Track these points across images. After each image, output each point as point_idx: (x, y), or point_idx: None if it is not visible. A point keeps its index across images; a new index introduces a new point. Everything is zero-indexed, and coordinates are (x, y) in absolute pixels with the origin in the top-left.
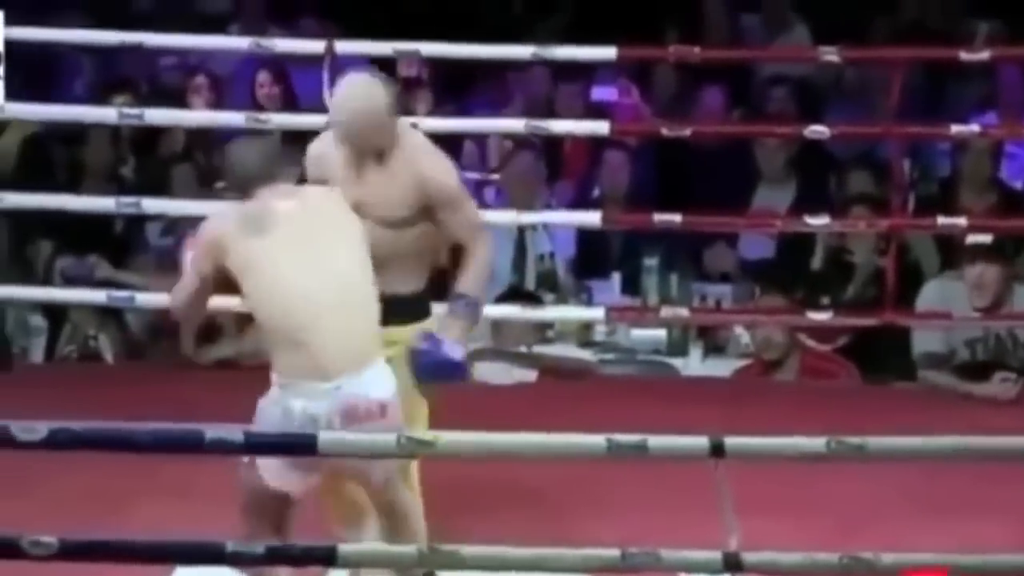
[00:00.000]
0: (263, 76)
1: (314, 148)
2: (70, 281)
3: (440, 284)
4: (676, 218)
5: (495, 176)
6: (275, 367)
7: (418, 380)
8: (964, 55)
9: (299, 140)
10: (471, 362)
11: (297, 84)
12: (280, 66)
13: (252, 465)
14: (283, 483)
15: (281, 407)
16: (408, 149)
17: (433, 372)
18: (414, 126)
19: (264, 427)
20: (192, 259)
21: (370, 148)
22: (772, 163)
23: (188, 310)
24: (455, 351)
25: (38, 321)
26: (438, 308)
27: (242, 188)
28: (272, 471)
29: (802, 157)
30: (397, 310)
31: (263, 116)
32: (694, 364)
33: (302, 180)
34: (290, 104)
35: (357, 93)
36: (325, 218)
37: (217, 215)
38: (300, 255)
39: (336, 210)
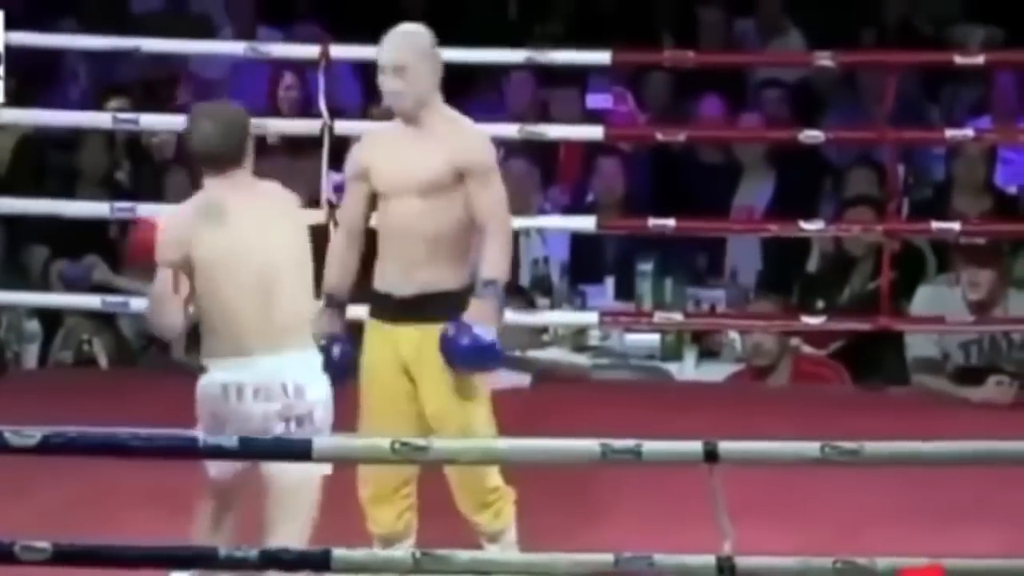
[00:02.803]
0: (290, 78)
1: (371, 131)
2: (68, 283)
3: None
4: (670, 223)
5: None
6: (205, 352)
7: (452, 367)
8: (959, 59)
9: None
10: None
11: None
12: (301, 69)
13: None
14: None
15: (212, 382)
16: (449, 120)
17: (467, 358)
18: None
19: (203, 406)
20: (158, 255)
21: (404, 91)
22: (752, 155)
23: (166, 314)
24: (487, 334)
25: (33, 326)
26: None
27: (204, 164)
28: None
29: (789, 154)
30: (445, 306)
31: (258, 122)
32: (688, 369)
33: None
34: (307, 109)
35: (402, 29)
36: (267, 211)
37: (174, 211)
38: (237, 244)
39: (281, 205)
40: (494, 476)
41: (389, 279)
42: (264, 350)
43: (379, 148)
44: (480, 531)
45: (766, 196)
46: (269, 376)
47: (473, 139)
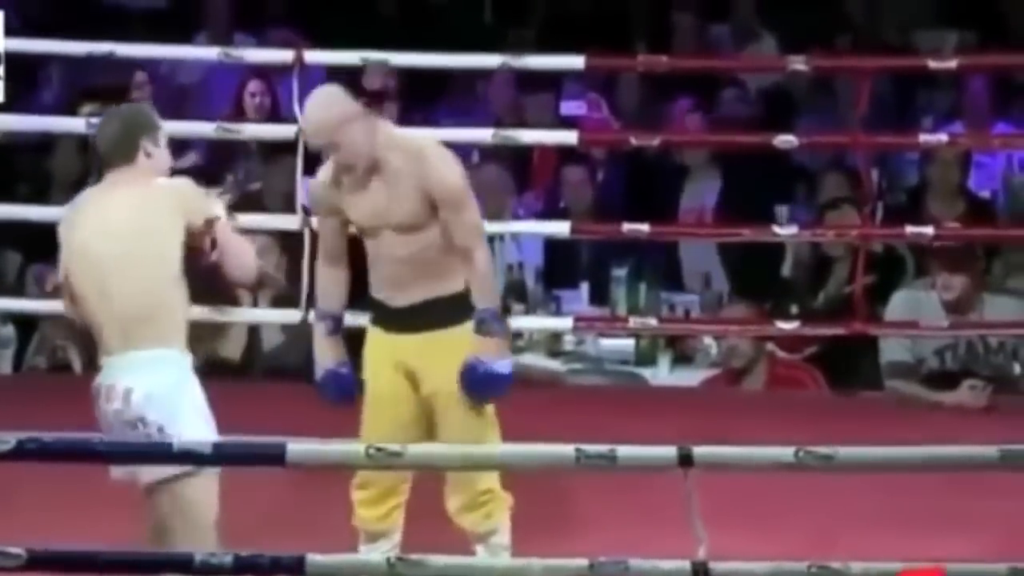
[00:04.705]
0: (255, 85)
1: (317, 183)
2: (44, 286)
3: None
4: (644, 228)
5: None
6: None
7: (473, 399)
8: (932, 64)
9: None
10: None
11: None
12: (267, 75)
13: None
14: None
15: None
16: (410, 149)
17: (486, 389)
18: None
19: None
20: None
21: (349, 159)
22: (697, 157)
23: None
24: (501, 366)
25: (7, 331)
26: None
27: (103, 165)
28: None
29: (737, 155)
30: (444, 312)
31: (233, 126)
32: (663, 374)
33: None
34: (275, 115)
35: (312, 105)
36: (126, 206)
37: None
38: (80, 244)
39: (153, 200)
40: (487, 478)
41: (382, 291)
42: (112, 350)
43: (344, 190)
44: (469, 531)
45: (713, 196)
46: (111, 378)
47: (441, 166)
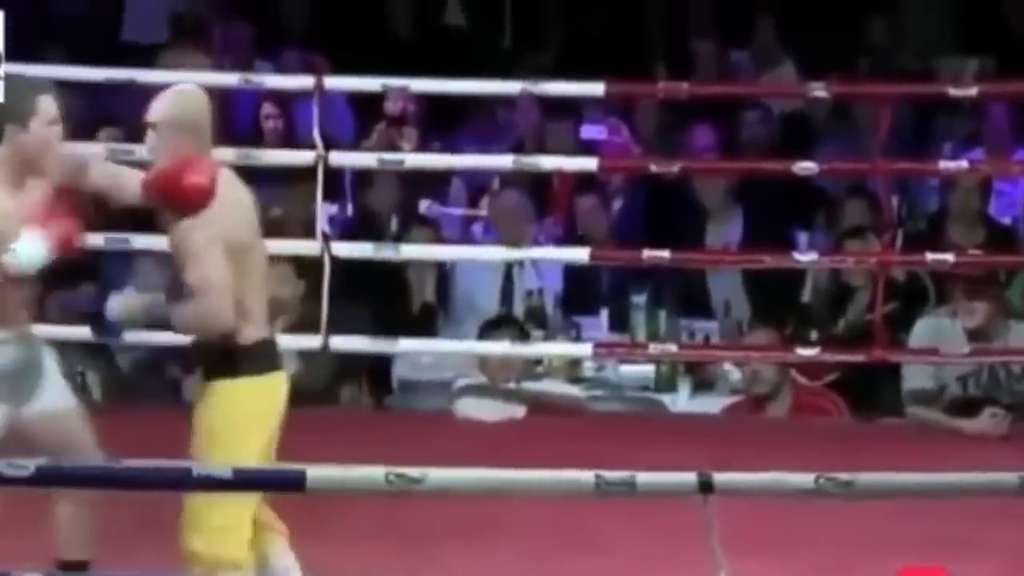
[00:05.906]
0: (268, 108)
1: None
2: (65, 313)
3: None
4: (665, 254)
5: (483, 212)
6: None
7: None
8: (952, 91)
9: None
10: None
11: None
12: (283, 99)
13: None
14: None
15: None
16: None
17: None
18: (400, 163)
19: None
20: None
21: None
22: (712, 196)
23: None
24: (111, 304)
25: None
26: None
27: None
28: None
29: (756, 185)
30: (205, 359)
31: (255, 152)
32: (683, 401)
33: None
34: (290, 137)
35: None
36: None
37: None
38: None
39: None
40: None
41: None
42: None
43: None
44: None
45: (737, 233)
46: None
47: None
